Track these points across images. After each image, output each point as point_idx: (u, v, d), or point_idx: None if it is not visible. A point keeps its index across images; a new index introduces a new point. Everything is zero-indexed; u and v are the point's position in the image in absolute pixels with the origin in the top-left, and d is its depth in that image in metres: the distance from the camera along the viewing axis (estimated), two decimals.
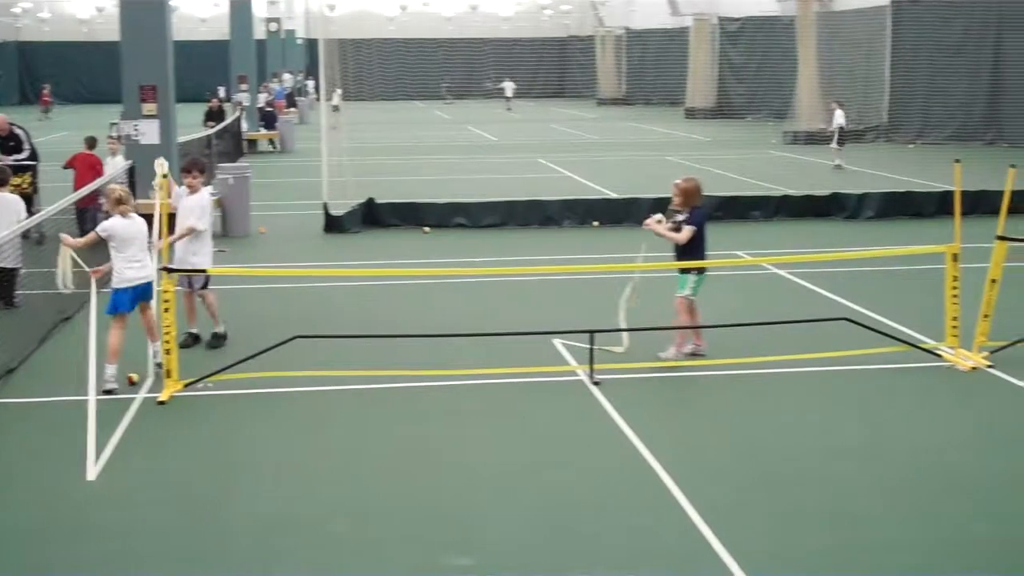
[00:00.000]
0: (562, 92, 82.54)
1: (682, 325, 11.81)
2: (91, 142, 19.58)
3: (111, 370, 10.83)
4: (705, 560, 7.22)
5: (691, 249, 11.69)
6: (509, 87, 66.26)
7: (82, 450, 9.16)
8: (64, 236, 11.30)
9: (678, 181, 11.92)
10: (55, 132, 45.15)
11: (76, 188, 17.30)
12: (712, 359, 11.64)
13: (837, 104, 32.06)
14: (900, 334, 12.46)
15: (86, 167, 18.82)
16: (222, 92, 46.01)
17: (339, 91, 53.05)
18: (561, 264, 15.35)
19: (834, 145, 31.10)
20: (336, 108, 51.59)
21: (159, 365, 11.13)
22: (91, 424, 9.37)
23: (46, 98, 62.20)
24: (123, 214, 11.06)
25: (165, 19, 19.50)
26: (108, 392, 10.63)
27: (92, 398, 9.68)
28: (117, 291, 11.06)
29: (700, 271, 11.79)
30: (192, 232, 12.19)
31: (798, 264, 16.51)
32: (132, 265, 11.06)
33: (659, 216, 11.97)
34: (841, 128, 31.12)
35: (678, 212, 11.77)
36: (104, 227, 11.10)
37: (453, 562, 7.23)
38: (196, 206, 12.31)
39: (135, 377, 11.05)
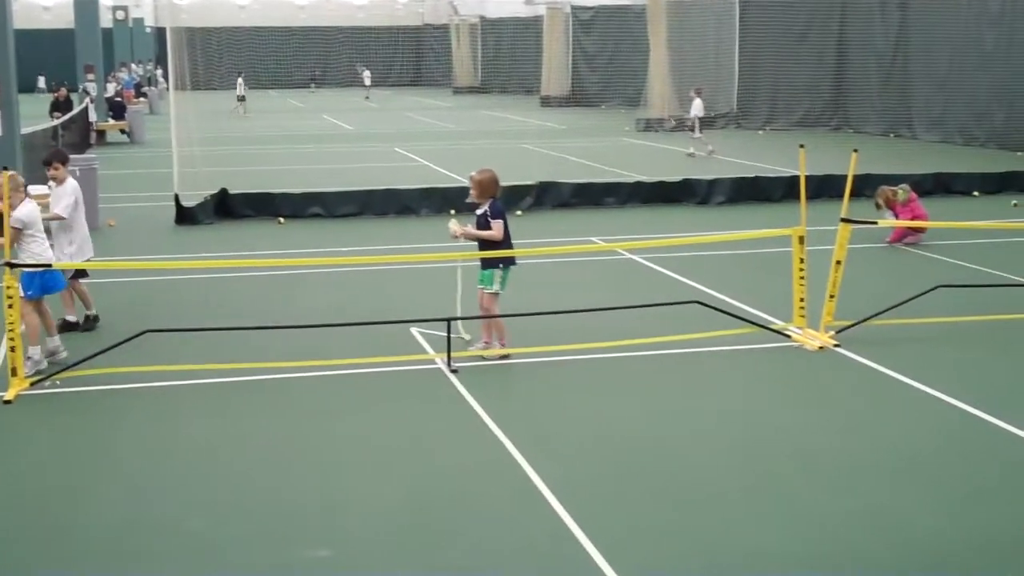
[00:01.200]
0: (418, 81, 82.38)
1: (494, 315, 11.54)
2: None
3: (53, 343, 11.34)
4: (561, 540, 7.28)
5: (495, 243, 11.45)
6: (367, 76, 65.86)
7: None
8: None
9: (473, 173, 11.70)
10: None
11: None
12: (569, 344, 11.73)
13: (696, 92, 32.47)
14: (751, 316, 12.74)
15: None
16: (42, 82, 44.68)
17: (241, 80, 52.27)
18: (419, 253, 15.32)
19: (697, 134, 31.46)
20: (242, 98, 50.88)
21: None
22: None
23: None
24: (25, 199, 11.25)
25: (5, 6, 18.91)
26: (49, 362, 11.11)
27: None
28: (54, 271, 11.27)
29: (506, 265, 11.58)
30: (57, 219, 12.08)
31: (651, 249, 16.76)
32: (44, 245, 11.34)
33: (454, 223, 11.74)
34: (699, 117, 31.55)
35: (477, 205, 11.62)
36: (21, 214, 11.06)
37: (311, 555, 7.17)
38: (63, 195, 12.18)
39: None
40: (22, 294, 10.93)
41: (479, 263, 11.65)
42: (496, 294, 11.54)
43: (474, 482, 8.36)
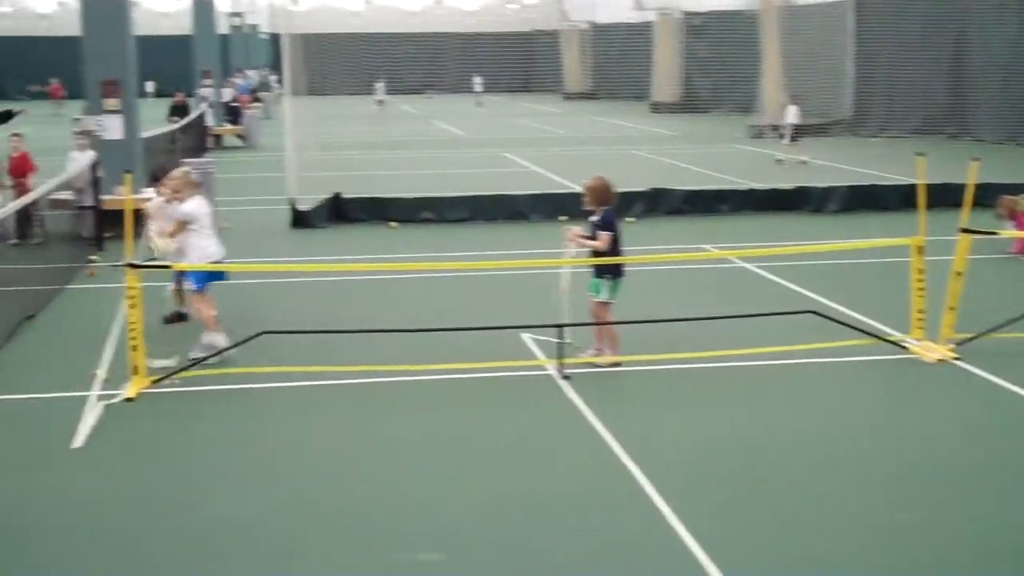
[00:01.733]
0: (528, 87, 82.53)
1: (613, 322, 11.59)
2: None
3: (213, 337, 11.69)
4: (672, 547, 7.24)
5: (605, 251, 11.38)
6: (478, 83, 66.04)
7: (44, 448, 9.12)
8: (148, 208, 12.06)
9: (586, 180, 11.71)
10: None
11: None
12: (680, 352, 11.64)
13: (790, 99, 31.88)
14: (866, 326, 12.52)
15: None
16: (150, 87, 45.56)
17: (380, 85, 53.11)
18: (529, 259, 15.34)
19: (786, 141, 30.95)
20: (381, 103, 51.73)
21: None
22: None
23: (56, 91, 61.05)
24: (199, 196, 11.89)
25: (126, 14, 19.38)
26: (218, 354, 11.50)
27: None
28: (203, 264, 11.77)
29: (616, 274, 11.53)
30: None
31: (764, 257, 16.57)
32: (213, 239, 11.93)
33: (576, 230, 11.69)
34: (793, 124, 30.94)
35: (592, 213, 11.59)
36: (186, 209, 11.70)
37: (423, 557, 7.21)
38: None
39: (99, 374, 10.99)
40: (192, 287, 11.69)
41: (592, 270, 11.62)
42: (606, 303, 11.49)
43: (584, 487, 8.35)
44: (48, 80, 63.28)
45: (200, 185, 12.02)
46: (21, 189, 18.16)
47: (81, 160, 18.71)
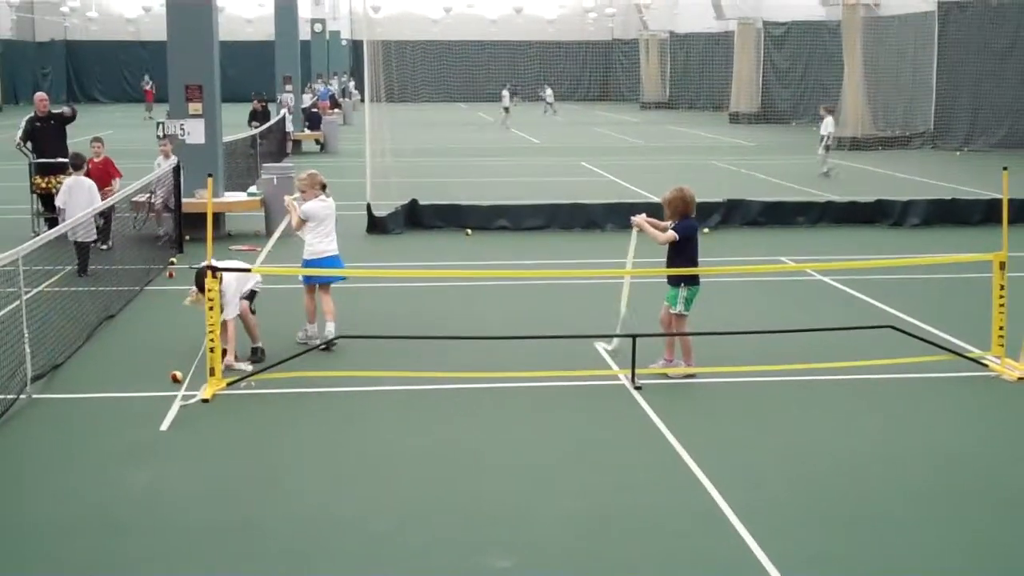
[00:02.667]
0: (606, 95, 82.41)
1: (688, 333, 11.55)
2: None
3: (312, 328, 12.56)
4: (745, 564, 7.18)
5: (679, 262, 11.37)
6: (549, 94, 65.87)
7: (121, 447, 9.28)
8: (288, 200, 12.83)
9: (666, 192, 11.63)
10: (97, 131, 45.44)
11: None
12: (755, 365, 11.56)
13: (827, 111, 31.24)
14: (945, 343, 12.34)
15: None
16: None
17: (506, 92, 53.38)
18: (604, 268, 15.31)
19: (820, 151, 30.12)
20: (507, 110, 51.93)
21: (331, 343, 12.24)
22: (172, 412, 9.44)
23: (149, 93, 61.05)
24: (321, 198, 12.61)
25: (212, 19, 19.66)
26: (302, 343, 12.36)
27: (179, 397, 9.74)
28: (310, 262, 12.52)
29: (691, 285, 11.45)
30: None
31: (842, 271, 16.41)
32: (325, 239, 12.56)
33: (642, 216, 11.80)
34: (830, 135, 30.10)
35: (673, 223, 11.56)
36: (305, 208, 12.52)
37: (493, 563, 7.23)
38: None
39: (179, 375, 11.14)
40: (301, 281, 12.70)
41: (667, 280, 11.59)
42: (681, 315, 11.44)
43: (656, 499, 8.31)
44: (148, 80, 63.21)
45: (326, 186, 12.72)
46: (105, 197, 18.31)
47: (165, 166, 19.01)
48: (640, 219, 11.73)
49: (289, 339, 12.45)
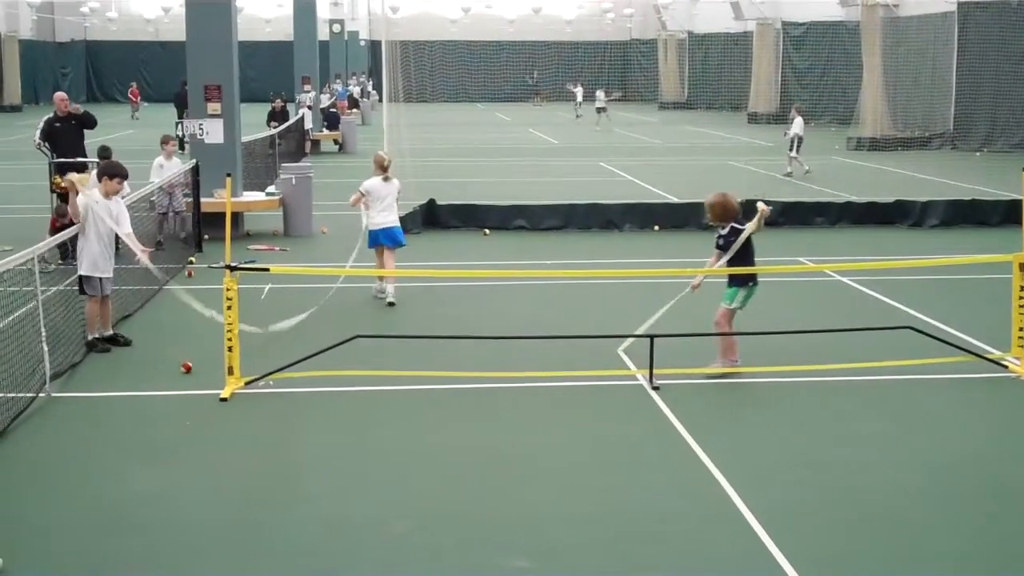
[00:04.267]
0: (624, 96, 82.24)
1: (730, 333, 11.58)
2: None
3: (381, 285, 14.76)
4: (763, 565, 7.17)
5: (740, 262, 11.41)
6: (579, 92, 65.58)
7: (139, 445, 9.31)
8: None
9: (708, 197, 11.68)
10: (127, 129, 45.65)
11: None
12: (773, 366, 11.53)
13: (797, 111, 30.99)
14: (965, 344, 12.29)
15: None
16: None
17: (601, 93, 53.13)
18: (622, 268, 15.30)
19: (792, 153, 29.83)
20: (602, 110, 51.61)
21: (391, 304, 14.32)
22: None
23: (134, 96, 62.06)
24: (383, 177, 14.76)
25: (231, 20, 19.70)
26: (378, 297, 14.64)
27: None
28: (372, 231, 14.72)
29: (750, 284, 11.50)
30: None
31: (861, 271, 16.36)
32: (382, 213, 14.69)
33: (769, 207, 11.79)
34: (798, 136, 29.81)
35: (719, 227, 11.61)
36: (364, 185, 14.71)
37: (511, 563, 7.22)
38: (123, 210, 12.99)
39: (190, 365, 11.18)
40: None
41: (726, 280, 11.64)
42: (732, 310, 11.47)
43: (673, 499, 8.30)
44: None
45: (386, 168, 14.87)
46: None
47: (167, 167, 18.83)
48: (767, 209, 11.60)
49: (305, 338, 12.45)
